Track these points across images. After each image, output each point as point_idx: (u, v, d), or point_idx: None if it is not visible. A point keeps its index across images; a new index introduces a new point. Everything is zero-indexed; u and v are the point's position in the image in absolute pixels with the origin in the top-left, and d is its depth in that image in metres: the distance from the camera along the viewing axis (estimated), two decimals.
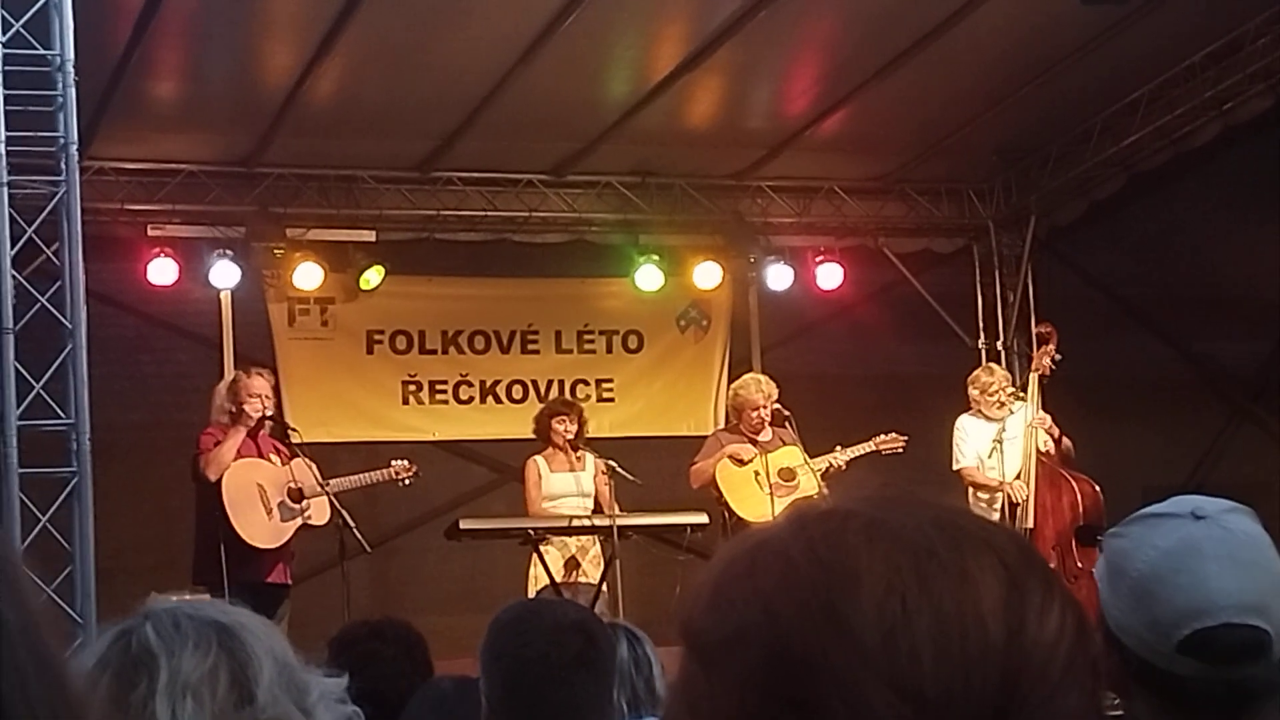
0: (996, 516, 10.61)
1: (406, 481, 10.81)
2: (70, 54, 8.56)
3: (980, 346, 13.63)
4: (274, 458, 10.28)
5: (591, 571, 10.56)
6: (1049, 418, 10.91)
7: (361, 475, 10.65)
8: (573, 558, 10.57)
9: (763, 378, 11.21)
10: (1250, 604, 2.06)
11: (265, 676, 1.82)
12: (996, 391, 11.04)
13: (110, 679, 1.83)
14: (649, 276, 13.10)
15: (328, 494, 10.19)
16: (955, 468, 11.03)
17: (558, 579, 10.38)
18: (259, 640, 1.87)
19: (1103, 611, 2.15)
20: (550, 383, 13.33)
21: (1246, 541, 2.12)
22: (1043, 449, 10.82)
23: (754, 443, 10.79)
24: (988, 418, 11.02)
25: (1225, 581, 2.07)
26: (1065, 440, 10.92)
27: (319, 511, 10.21)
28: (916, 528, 1.13)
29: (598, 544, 10.66)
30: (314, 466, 10.29)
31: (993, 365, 12.05)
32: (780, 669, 1.10)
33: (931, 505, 1.16)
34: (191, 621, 1.86)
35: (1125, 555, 2.14)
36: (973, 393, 11.13)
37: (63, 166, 8.63)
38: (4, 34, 8.50)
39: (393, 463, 10.80)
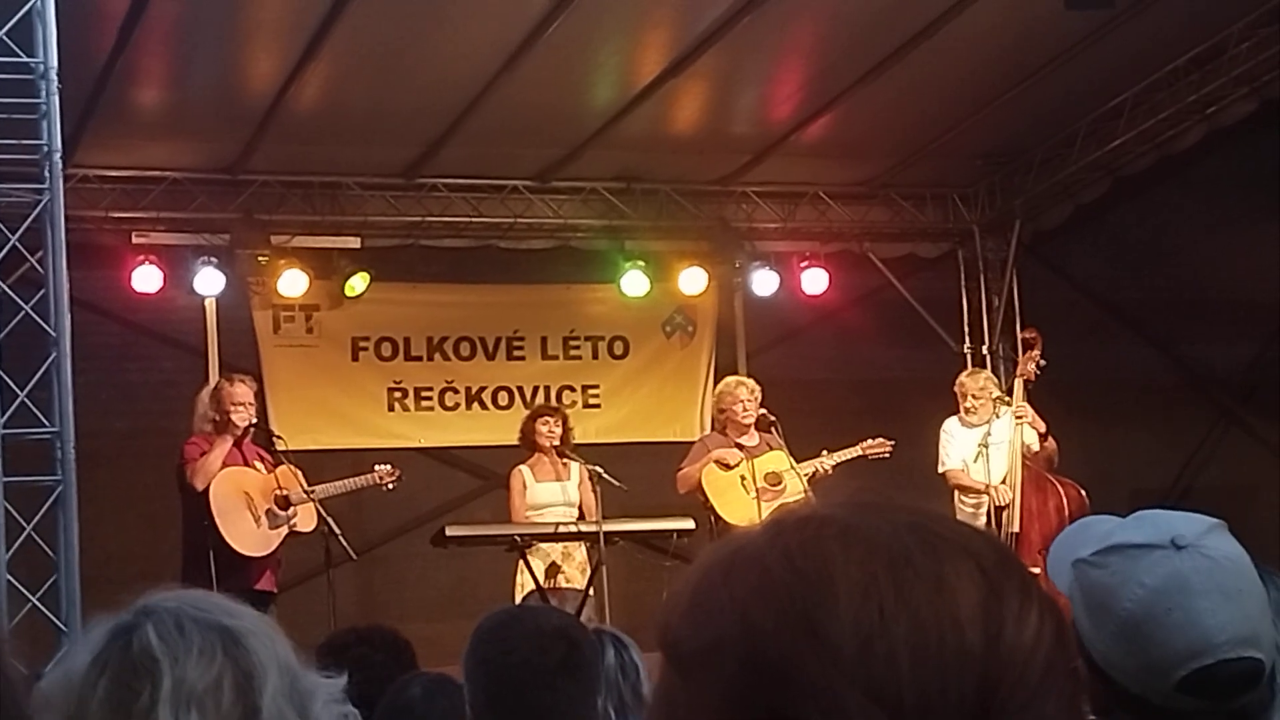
0: (982, 521, 10.60)
1: (390, 486, 10.79)
2: (54, 61, 8.52)
3: (965, 351, 13.63)
4: (259, 465, 10.25)
5: (576, 577, 10.54)
6: (1030, 409, 10.87)
7: (346, 481, 10.62)
8: (554, 563, 10.55)
9: (744, 377, 11.24)
10: (1243, 636, 2.05)
11: (270, 687, 1.78)
12: (984, 394, 11.03)
13: (109, 682, 1.78)
14: (634, 282, 13.09)
15: (314, 501, 10.18)
16: (940, 470, 11.01)
17: (544, 585, 10.36)
18: (265, 647, 1.81)
19: (1082, 640, 2.10)
20: (536, 389, 13.31)
21: (1230, 569, 2.09)
22: (1028, 446, 10.79)
23: (740, 447, 10.78)
24: (973, 422, 11.01)
25: (1218, 617, 2.04)
26: (1050, 441, 10.91)
27: (305, 518, 10.19)
28: (892, 534, 1.13)
29: (583, 550, 10.64)
30: (299, 473, 10.27)
31: (979, 369, 12.06)
32: (757, 678, 1.09)
33: (908, 510, 1.16)
34: (196, 625, 1.80)
35: (1110, 592, 2.09)
36: (960, 395, 11.12)
37: (46, 174, 8.58)
38: None
39: (375, 467, 10.77)
